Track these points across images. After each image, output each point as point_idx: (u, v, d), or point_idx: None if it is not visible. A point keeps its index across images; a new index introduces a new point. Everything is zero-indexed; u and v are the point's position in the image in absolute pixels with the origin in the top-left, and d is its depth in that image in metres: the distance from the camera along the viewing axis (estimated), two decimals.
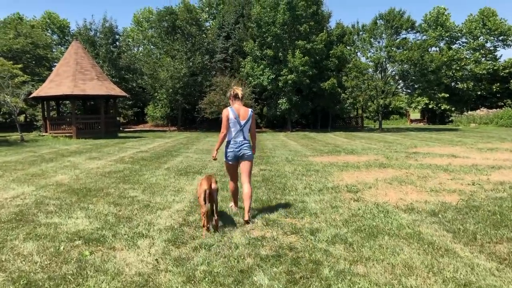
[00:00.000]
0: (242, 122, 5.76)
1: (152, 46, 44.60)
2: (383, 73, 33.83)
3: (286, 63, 33.27)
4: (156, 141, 22.53)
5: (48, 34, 53.58)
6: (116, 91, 27.14)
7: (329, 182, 8.70)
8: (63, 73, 25.81)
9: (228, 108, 5.81)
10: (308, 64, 32.12)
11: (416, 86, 33.32)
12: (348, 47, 35.10)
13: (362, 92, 32.75)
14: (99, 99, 27.49)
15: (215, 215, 5.24)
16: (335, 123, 40.79)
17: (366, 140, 22.39)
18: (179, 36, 36.56)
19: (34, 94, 25.60)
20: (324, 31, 34.42)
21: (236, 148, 5.81)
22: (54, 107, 32.69)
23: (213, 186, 5.24)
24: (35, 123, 36.38)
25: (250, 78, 34.99)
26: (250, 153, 5.94)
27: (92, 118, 27.12)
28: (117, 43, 43.13)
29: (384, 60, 32.60)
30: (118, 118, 38.59)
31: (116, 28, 41.76)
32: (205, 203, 5.03)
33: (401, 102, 35.98)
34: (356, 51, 34.77)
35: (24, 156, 14.24)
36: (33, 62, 39.23)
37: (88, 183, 8.75)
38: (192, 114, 42.64)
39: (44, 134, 25.88)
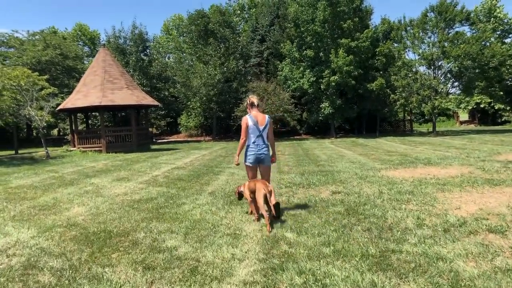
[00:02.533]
0: (261, 128, 6.20)
1: (183, 54, 42.77)
2: (436, 71, 30.69)
3: (328, 63, 30.64)
4: (192, 154, 20.29)
5: (79, 45, 52.80)
6: (148, 100, 25.12)
7: (445, 214, 6.09)
8: (90, 83, 23.97)
9: (247, 116, 6.22)
10: (352, 63, 29.38)
11: (474, 84, 29.88)
12: (395, 44, 32.14)
13: (415, 92, 29.65)
14: (129, 109, 25.55)
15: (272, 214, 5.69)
16: (381, 127, 37.74)
17: (431, 146, 19.51)
18: (212, 40, 34.42)
19: (60, 106, 23.87)
20: (370, 27, 31.64)
21: (257, 150, 6.20)
22: (84, 119, 31.08)
23: (269, 189, 5.75)
24: (65, 137, 34.99)
25: (289, 82, 32.52)
26: (269, 157, 6.36)
27: (123, 130, 25.12)
28: (148, 50, 41.47)
29: (437, 56, 29.42)
30: (150, 129, 36.81)
31: (146, 34, 40.08)
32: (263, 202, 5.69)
33: (449, 103, 32.51)
34: (405, 47, 31.72)
35: (42, 178, 12.16)
36: (64, 73, 38.02)
37: (109, 221, 6.41)
38: (226, 123, 40.56)
39: (72, 149, 24.08)
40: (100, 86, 23.39)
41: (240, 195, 6.54)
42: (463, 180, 8.94)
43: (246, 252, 4.64)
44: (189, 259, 4.47)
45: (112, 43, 38.14)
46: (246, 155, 6.28)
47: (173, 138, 45.65)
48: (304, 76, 31.72)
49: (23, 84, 21.31)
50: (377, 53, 31.21)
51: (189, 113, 41.91)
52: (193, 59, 37.03)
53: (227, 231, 5.57)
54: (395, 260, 4.23)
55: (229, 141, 34.24)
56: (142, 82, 36.94)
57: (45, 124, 21.81)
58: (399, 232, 5.20)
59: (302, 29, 31.29)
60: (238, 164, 6.58)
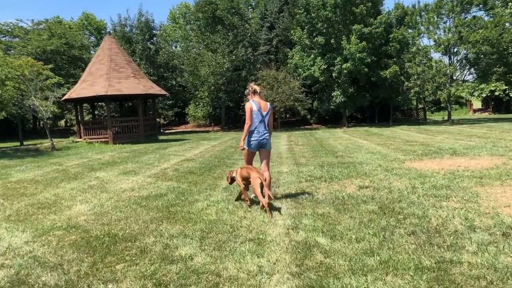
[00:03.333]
0: (264, 113, 6.34)
1: (190, 42, 41.85)
2: (452, 57, 29.61)
3: (340, 50, 29.70)
4: (201, 145, 19.58)
5: (86, 35, 52.05)
6: (155, 89, 24.39)
7: (496, 213, 5.35)
8: (96, 72, 23.25)
9: (251, 101, 6.38)
10: (365, 50, 28.41)
11: (492, 70, 28.76)
12: (409, 30, 31.05)
13: (430, 79, 28.62)
14: (136, 99, 24.83)
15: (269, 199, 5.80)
16: (393, 116, 36.74)
17: (450, 135, 18.62)
18: (220, 28, 33.50)
19: (66, 96, 23.22)
20: (384, 13, 30.60)
21: (259, 137, 6.32)
22: (90, 110, 30.44)
23: (265, 177, 5.93)
24: (72, 128, 34.45)
25: (300, 70, 31.60)
26: (270, 141, 6.53)
27: (130, 121, 24.40)
28: (154, 39, 40.58)
29: (455, 42, 28.28)
30: (158, 120, 36.12)
31: (153, 22, 39.16)
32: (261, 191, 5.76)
33: (465, 90, 31.37)
34: (420, 33, 30.61)
35: (44, 171, 11.51)
36: (70, 63, 37.36)
37: (114, 222, 5.72)
38: (235, 112, 39.78)
39: (78, 140, 23.45)
40: (106, 75, 22.68)
41: (232, 180, 6.61)
42: (501, 173, 8.16)
43: (275, 264, 3.90)
44: (208, 273, 3.75)
45: (118, 31, 37.35)
46: (248, 141, 6.40)
47: (181, 128, 45.00)
48: (315, 63, 30.81)
49: (27, 73, 20.68)
50: (390, 39, 30.17)
51: (197, 103, 41.15)
52: (201, 48, 36.12)
53: (249, 235, 4.85)
54: (458, 274, 3.48)
55: (238, 131, 33.51)
56: (149, 71, 36.18)
57: (50, 115, 21.18)
58: (450, 237, 4.45)
59: (313, 14, 30.31)
60: (243, 149, 6.57)
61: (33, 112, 20.91)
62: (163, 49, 38.78)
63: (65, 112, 42.68)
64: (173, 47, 49.02)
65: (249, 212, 5.92)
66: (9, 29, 37.90)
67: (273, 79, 31.04)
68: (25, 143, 25.81)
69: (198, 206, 6.42)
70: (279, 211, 5.84)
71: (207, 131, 35.66)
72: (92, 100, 26.20)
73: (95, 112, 31.23)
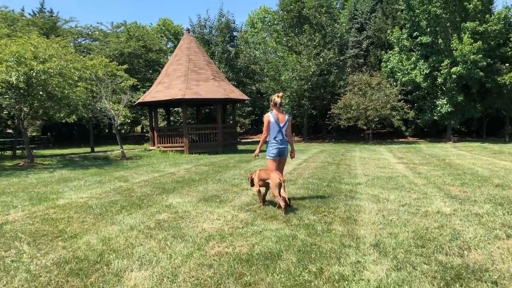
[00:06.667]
0: (281, 125, 6.79)
1: (269, 48, 39.17)
2: None
3: (447, 52, 25.45)
4: (289, 160, 16.40)
5: (163, 40, 51.37)
6: (236, 93, 21.72)
7: None
8: (173, 73, 21.03)
9: (269, 113, 6.91)
10: (480, 51, 23.96)
11: None
12: None
13: None
14: (215, 104, 22.32)
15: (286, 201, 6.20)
16: (504, 130, 31.45)
17: None
18: (307, 28, 30.35)
19: (140, 100, 21.20)
20: (503, 8, 25.99)
21: (279, 145, 6.77)
22: (165, 115, 28.54)
23: (283, 178, 6.28)
24: (147, 134, 32.96)
25: (398, 74, 27.63)
26: (288, 150, 6.97)
27: (207, 128, 21.90)
28: (235, 41, 38.38)
29: None
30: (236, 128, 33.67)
31: (233, 23, 36.98)
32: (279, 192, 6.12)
33: None
34: None
35: (104, 190, 8.91)
36: (147, 67, 36.12)
37: None
38: (317, 121, 36.49)
39: (151, 148, 21.31)
40: (183, 76, 20.38)
41: (252, 182, 6.77)
42: None
43: None
44: None
45: (197, 33, 35.54)
46: (269, 150, 6.82)
47: (258, 137, 42.33)
48: (417, 67, 26.73)
49: (100, 74, 18.91)
50: (510, 39, 25.44)
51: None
52: (284, 50, 33.12)
53: None
54: None
55: (322, 143, 30.14)
56: (227, 76, 33.93)
57: (122, 120, 19.22)
58: None
59: (417, 11, 26.30)
60: (256, 156, 7.08)
61: (104, 116, 19.05)
62: (243, 52, 36.36)
63: (142, 118, 41.66)
64: (252, 52, 46.82)
65: None
66: (89, 32, 37.42)
67: (365, 85, 27.40)
68: (96, 149, 24.28)
69: None
70: None
71: None
72: (168, 105, 24.09)
73: (171, 118, 29.27)
